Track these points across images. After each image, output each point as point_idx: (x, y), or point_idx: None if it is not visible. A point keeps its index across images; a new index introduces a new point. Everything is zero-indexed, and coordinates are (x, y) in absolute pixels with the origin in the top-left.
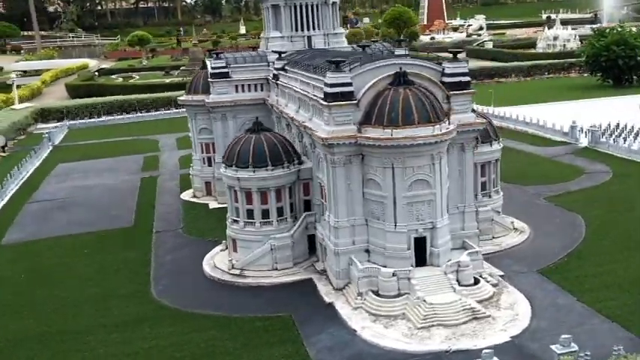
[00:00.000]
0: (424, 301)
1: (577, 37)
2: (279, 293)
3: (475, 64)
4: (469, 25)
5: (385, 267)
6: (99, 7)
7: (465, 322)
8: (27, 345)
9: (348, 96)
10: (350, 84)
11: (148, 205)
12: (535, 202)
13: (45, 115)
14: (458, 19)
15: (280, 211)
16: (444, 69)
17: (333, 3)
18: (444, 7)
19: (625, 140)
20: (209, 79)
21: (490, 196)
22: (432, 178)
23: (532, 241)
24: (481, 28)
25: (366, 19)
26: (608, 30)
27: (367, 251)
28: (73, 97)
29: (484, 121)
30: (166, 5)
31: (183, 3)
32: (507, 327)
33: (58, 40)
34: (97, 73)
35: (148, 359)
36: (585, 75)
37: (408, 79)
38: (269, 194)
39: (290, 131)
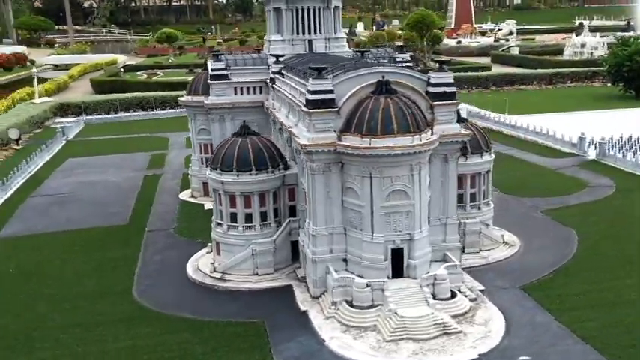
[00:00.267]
0: (396, 313)
1: (605, 44)
2: (257, 299)
3: (497, 70)
4: (499, 30)
5: (362, 277)
6: (132, 4)
7: (434, 337)
8: None
9: (329, 103)
10: (331, 91)
11: (146, 204)
12: (531, 215)
13: (64, 109)
14: (489, 23)
15: (264, 216)
16: (429, 78)
17: (335, 7)
18: (472, 12)
19: (634, 154)
20: (208, 81)
21: (480, 208)
22: (410, 189)
23: (521, 255)
24: (511, 33)
25: (396, 22)
26: (632, 39)
27: (345, 260)
28: (98, 93)
29: (468, 132)
30: (198, 3)
31: (215, 1)
32: (477, 344)
33: (91, 35)
34: (122, 69)
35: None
36: (609, 85)
37: (391, 88)
38: (252, 199)
39: (282, 136)
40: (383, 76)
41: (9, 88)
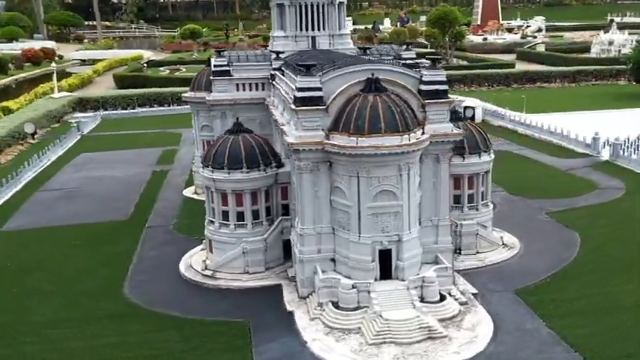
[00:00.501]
0: (380, 316)
1: (634, 42)
2: (246, 298)
3: (520, 67)
4: (527, 27)
5: (349, 278)
6: (161, 0)
7: (418, 341)
8: None
9: (317, 101)
10: (319, 89)
11: (149, 200)
12: (535, 217)
13: (83, 104)
14: (518, 19)
15: (256, 214)
16: (421, 76)
17: (340, 3)
18: (499, 8)
19: None
20: (210, 77)
21: (477, 209)
22: (399, 190)
23: (519, 258)
24: (539, 30)
25: (423, 18)
26: None
27: (333, 261)
28: (120, 88)
29: (460, 132)
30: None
31: None
32: (462, 349)
33: (119, 30)
34: (145, 65)
35: (97, 356)
36: (634, 83)
37: (381, 86)
38: (244, 196)
39: (279, 133)
40: (372, 74)
41: (35, 82)
